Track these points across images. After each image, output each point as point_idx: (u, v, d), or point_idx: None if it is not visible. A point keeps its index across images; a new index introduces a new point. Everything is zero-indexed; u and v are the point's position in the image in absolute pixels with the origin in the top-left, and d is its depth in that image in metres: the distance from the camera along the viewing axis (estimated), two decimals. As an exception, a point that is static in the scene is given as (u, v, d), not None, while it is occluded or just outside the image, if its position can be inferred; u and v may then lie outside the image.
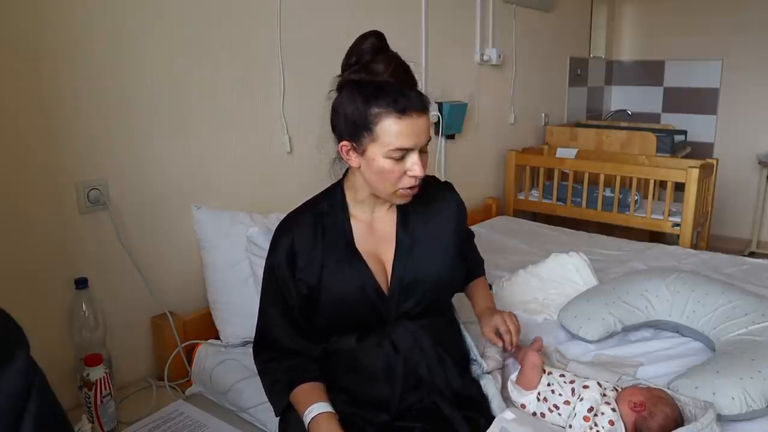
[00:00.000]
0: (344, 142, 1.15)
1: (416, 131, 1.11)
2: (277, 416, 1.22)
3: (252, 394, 1.44)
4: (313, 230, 1.20)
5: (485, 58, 2.92)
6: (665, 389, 1.25)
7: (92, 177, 1.49)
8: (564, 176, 3.05)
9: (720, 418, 1.22)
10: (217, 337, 1.68)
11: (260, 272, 1.58)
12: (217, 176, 1.78)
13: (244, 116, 1.84)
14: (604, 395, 1.20)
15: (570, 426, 1.17)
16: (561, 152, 3.27)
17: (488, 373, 1.31)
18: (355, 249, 1.21)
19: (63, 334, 1.43)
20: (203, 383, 1.57)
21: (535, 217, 3.22)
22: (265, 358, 1.24)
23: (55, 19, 1.38)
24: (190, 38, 1.66)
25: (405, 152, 1.11)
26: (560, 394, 1.22)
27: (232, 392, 1.47)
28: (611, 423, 1.14)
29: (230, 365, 1.55)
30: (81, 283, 1.41)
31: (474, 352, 1.33)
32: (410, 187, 1.15)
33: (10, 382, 0.53)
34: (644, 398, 1.18)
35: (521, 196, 3.15)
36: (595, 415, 1.16)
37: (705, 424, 1.12)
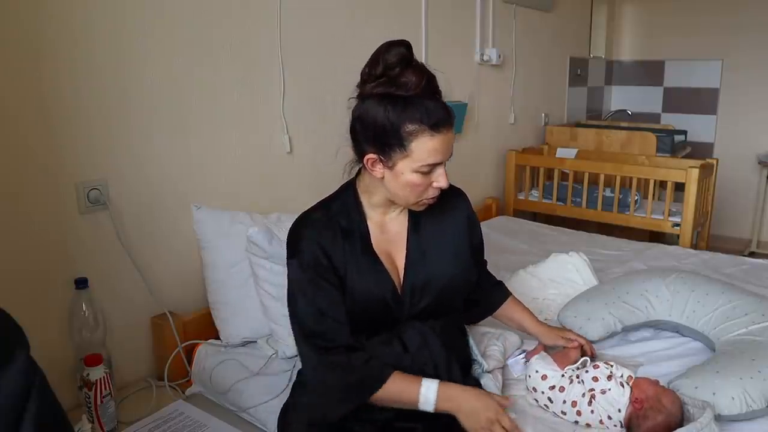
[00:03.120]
0: (370, 155, 1.14)
1: (447, 146, 1.13)
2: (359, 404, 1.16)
3: (252, 394, 1.44)
4: (333, 229, 1.20)
5: (485, 58, 2.92)
6: (681, 398, 1.24)
7: (92, 177, 1.49)
8: (564, 176, 3.05)
9: (720, 418, 1.23)
10: (217, 337, 1.68)
11: (260, 272, 1.59)
12: (217, 176, 1.78)
13: (244, 116, 1.84)
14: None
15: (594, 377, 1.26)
16: (561, 152, 3.27)
17: (489, 372, 1.31)
18: (373, 249, 1.22)
19: (63, 334, 1.43)
20: (203, 383, 1.57)
21: (535, 217, 3.22)
22: (344, 357, 1.15)
23: (55, 19, 1.38)
24: (190, 38, 1.66)
25: (434, 166, 1.13)
26: (587, 371, 1.29)
27: (232, 392, 1.47)
28: (623, 385, 1.23)
29: (230, 365, 1.55)
30: (81, 283, 1.41)
31: (475, 351, 1.34)
32: (432, 197, 1.18)
33: (10, 382, 0.53)
34: (647, 396, 1.20)
35: (521, 196, 3.15)
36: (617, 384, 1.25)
37: (704, 424, 1.12)
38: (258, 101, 1.88)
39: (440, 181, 1.15)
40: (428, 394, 1.11)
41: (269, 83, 1.90)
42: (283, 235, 1.58)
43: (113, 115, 1.51)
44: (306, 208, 1.89)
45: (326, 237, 1.18)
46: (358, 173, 1.26)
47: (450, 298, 1.28)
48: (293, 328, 1.20)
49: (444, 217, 1.29)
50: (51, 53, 1.38)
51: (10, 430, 0.52)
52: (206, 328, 1.69)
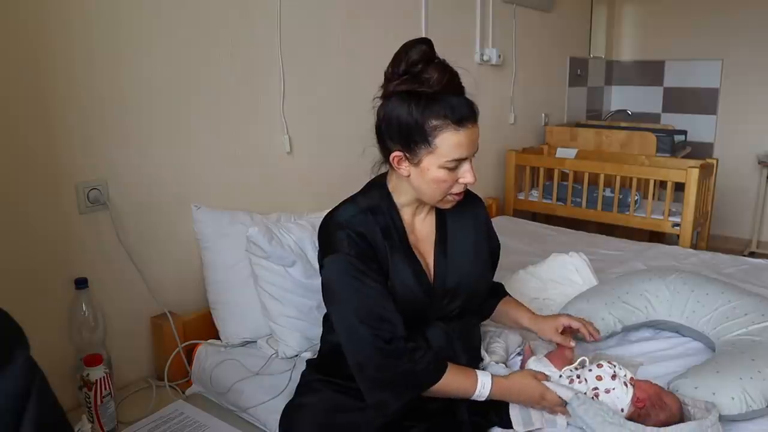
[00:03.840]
0: (396, 153, 1.15)
1: (473, 141, 1.15)
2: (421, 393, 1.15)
3: (252, 394, 1.44)
4: (370, 223, 1.19)
5: (485, 58, 2.92)
6: (680, 399, 1.25)
7: (92, 177, 1.49)
8: (564, 176, 3.05)
9: (720, 418, 1.23)
10: (217, 337, 1.68)
11: (260, 272, 1.59)
12: (217, 176, 1.78)
13: (244, 116, 1.84)
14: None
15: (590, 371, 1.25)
16: (561, 152, 3.27)
17: (497, 363, 1.34)
18: (410, 246, 1.22)
19: (63, 334, 1.43)
20: (203, 383, 1.57)
21: (534, 217, 3.22)
22: (406, 347, 1.13)
23: (54, 20, 1.38)
24: (189, 38, 1.66)
25: (460, 162, 1.14)
26: (590, 370, 1.27)
27: (232, 392, 1.47)
28: (626, 384, 1.21)
29: (230, 365, 1.55)
30: (81, 283, 1.41)
31: (481, 347, 1.36)
32: (458, 193, 1.19)
33: (10, 382, 0.53)
34: (648, 396, 1.20)
35: (521, 196, 3.15)
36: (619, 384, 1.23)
37: (712, 422, 1.13)
38: (258, 101, 1.88)
39: (467, 176, 1.16)
40: (483, 391, 1.15)
41: (269, 83, 1.90)
42: (283, 236, 1.59)
43: (113, 115, 1.51)
44: (306, 209, 1.91)
45: (365, 229, 1.18)
46: (386, 174, 1.26)
47: (475, 301, 1.31)
48: (344, 326, 1.15)
49: (467, 221, 1.31)
50: (50, 54, 1.38)
51: (10, 431, 0.52)
52: (206, 328, 1.69)
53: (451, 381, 1.14)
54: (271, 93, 1.91)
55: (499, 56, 2.97)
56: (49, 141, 1.40)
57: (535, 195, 3.15)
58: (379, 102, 1.17)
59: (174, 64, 1.63)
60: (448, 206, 1.23)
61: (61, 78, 1.41)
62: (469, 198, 1.31)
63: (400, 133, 1.13)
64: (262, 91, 1.88)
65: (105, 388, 1.34)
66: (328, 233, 1.19)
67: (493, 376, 1.17)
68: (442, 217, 1.28)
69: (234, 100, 1.80)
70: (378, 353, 1.11)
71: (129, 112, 1.55)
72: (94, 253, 1.51)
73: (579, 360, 1.35)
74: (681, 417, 1.20)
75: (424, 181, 1.15)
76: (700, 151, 4.04)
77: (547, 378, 1.21)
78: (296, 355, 1.56)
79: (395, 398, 1.12)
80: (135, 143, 1.57)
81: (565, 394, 1.18)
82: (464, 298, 1.26)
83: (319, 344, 1.38)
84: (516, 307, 1.46)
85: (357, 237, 1.16)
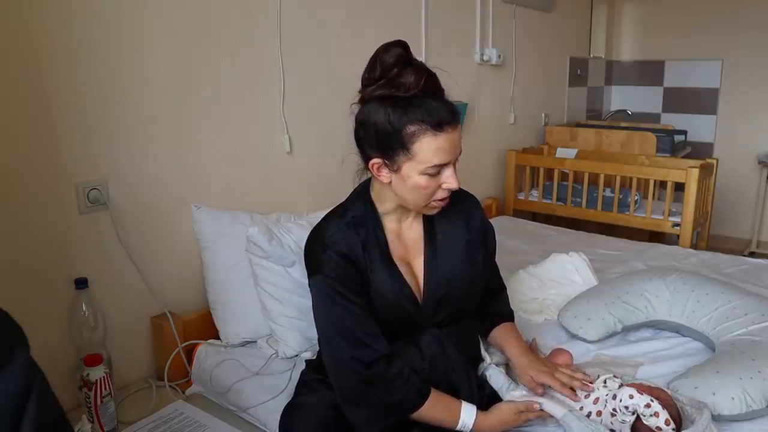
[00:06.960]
0: (375, 160, 1.13)
1: (453, 145, 1.11)
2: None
3: (252, 394, 1.44)
4: (352, 239, 1.18)
5: (485, 58, 2.92)
6: (665, 389, 1.25)
7: (92, 177, 1.49)
8: (564, 176, 3.05)
9: (720, 418, 1.23)
10: (217, 337, 1.68)
11: (260, 272, 1.59)
12: (217, 176, 1.78)
13: (244, 116, 1.84)
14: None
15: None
16: (561, 152, 3.27)
17: (497, 365, 1.32)
18: (391, 258, 1.21)
19: (63, 334, 1.43)
20: (203, 383, 1.57)
21: (534, 217, 3.22)
22: (384, 371, 1.12)
23: (55, 19, 1.38)
24: (190, 38, 1.66)
25: (441, 167, 1.11)
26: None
27: (232, 392, 1.47)
28: (648, 406, 1.14)
29: (230, 365, 1.55)
30: (81, 283, 1.41)
31: (482, 348, 1.35)
32: (442, 199, 1.16)
33: (10, 382, 0.53)
34: (645, 393, 1.19)
35: (521, 196, 3.15)
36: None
37: (704, 426, 1.12)
38: (258, 101, 1.88)
39: (450, 182, 1.13)
40: (464, 429, 1.14)
41: (269, 83, 1.90)
42: (283, 236, 1.59)
43: (113, 115, 1.51)
44: (306, 209, 1.91)
45: (347, 247, 1.17)
46: (369, 181, 1.25)
47: (468, 306, 1.29)
48: (325, 346, 1.17)
49: (458, 222, 1.29)
50: (52, 53, 1.38)
51: (10, 431, 0.52)
52: (206, 328, 1.69)
53: (430, 411, 1.13)
54: (271, 93, 1.91)
55: (499, 56, 2.97)
56: (50, 141, 1.40)
57: (535, 195, 3.15)
58: (356, 107, 1.15)
59: (175, 64, 1.63)
60: (433, 212, 1.21)
61: (62, 78, 1.41)
62: (461, 197, 1.28)
63: (378, 140, 1.11)
64: (262, 91, 1.88)
65: (105, 388, 1.34)
66: (312, 252, 1.19)
67: (478, 413, 1.15)
68: (430, 219, 1.26)
69: (234, 100, 1.80)
70: (356, 377, 1.12)
71: (130, 112, 1.55)
72: (94, 253, 1.51)
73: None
74: (678, 412, 1.19)
75: (405, 188, 1.13)
76: (700, 151, 4.04)
77: (532, 404, 1.18)
78: (296, 355, 1.56)
79: (369, 422, 1.13)
80: (135, 143, 1.57)
81: (558, 412, 1.16)
82: (457, 303, 1.25)
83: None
84: (507, 337, 1.35)
85: (339, 258, 1.15)
